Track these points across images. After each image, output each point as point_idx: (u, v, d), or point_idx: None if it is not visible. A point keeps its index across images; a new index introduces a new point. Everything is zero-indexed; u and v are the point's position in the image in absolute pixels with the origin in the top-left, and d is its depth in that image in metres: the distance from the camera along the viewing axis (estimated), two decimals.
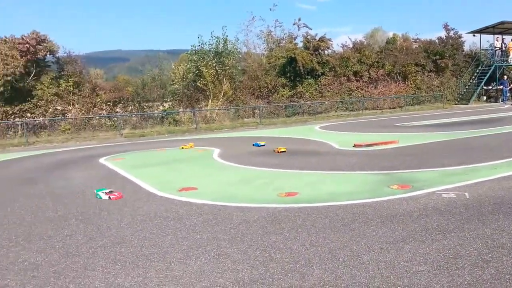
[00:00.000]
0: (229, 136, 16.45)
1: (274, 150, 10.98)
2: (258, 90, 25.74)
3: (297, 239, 4.50)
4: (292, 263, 3.88)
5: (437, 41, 31.34)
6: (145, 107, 23.95)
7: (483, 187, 6.17)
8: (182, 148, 12.79)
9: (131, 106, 23.63)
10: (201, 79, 23.34)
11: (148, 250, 4.41)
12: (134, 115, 22.46)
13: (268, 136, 15.61)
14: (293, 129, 17.90)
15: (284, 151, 10.77)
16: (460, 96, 29.35)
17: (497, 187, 6.08)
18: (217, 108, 23.23)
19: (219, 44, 23.88)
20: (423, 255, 3.87)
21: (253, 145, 12.50)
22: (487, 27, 28.82)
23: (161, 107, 24.46)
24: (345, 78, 27.07)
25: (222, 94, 23.84)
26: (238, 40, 26.94)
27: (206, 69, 22.92)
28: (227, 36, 24.12)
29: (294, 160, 9.76)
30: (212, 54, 23.63)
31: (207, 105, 23.60)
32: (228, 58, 23.77)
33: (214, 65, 23.15)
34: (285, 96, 25.65)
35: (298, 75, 25.80)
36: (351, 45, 29.18)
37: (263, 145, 12.17)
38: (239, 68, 25.99)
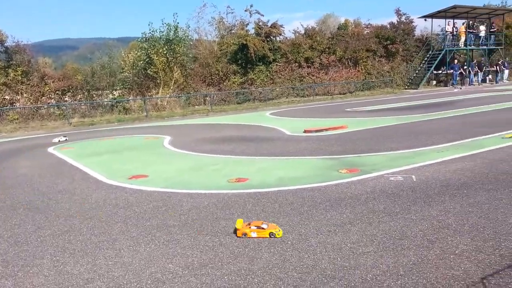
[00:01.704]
0: (180, 124, 16.17)
1: None
2: (210, 78, 25.45)
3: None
4: (241, 248, 3.86)
5: (388, 26, 31.97)
6: (94, 95, 23.40)
7: (430, 170, 6.36)
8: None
9: (80, 94, 23.03)
10: (152, 66, 22.84)
11: (97, 238, 4.36)
12: (83, 104, 21.80)
13: (219, 123, 15.49)
14: (244, 116, 17.84)
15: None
16: (410, 81, 30.17)
17: (443, 170, 6.28)
18: (168, 95, 22.80)
19: (170, 31, 23.45)
20: (369, 237, 3.93)
21: None
22: (439, 12, 29.46)
23: (110, 96, 23.92)
24: (297, 64, 27.21)
25: (173, 81, 23.42)
26: (189, 27, 26.61)
27: (156, 56, 22.45)
28: (178, 23, 23.82)
29: (245, 146, 9.70)
30: (163, 42, 23.19)
31: (157, 93, 23.10)
32: (179, 46, 23.43)
33: (165, 52, 22.71)
34: (236, 83, 25.49)
35: (250, 62, 25.69)
36: (303, 31, 29.34)
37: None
38: (190, 55, 25.61)
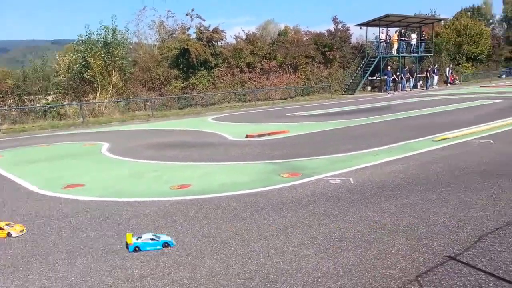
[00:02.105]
0: (119, 130, 15.67)
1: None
2: (150, 82, 24.91)
3: (189, 231, 4.40)
4: (184, 256, 3.79)
5: (326, 33, 33.02)
6: (26, 100, 21.99)
7: (366, 172, 6.60)
8: None
9: (10, 99, 21.52)
10: (89, 70, 21.94)
11: (29, 252, 4.10)
12: (13, 109, 20.49)
13: (160, 129, 15.20)
14: (186, 121, 17.65)
15: None
16: (347, 87, 31.26)
17: (379, 172, 6.54)
18: (106, 100, 22.02)
19: (108, 34, 22.70)
20: (310, 240, 4.00)
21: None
22: (373, 20, 30.83)
23: (44, 101, 22.59)
24: (238, 69, 27.34)
25: (111, 86, 22.61)
26: (129, 30, 25.84)
27: (94, 60, 21.61)
28: (116, 26, 23.15)
29: (187, 152, 9.58)
30: (101, 45, 22.40)
31: (95, 97, 22.22)
32: (118, 49, 22.73)
33: (103, 55, 21.92)
34: (178, 87, 25.15)
35: (191, 67, 25.46)
36: (244, 37, 29.56)
37: None
38: (130, 59, 24.90)
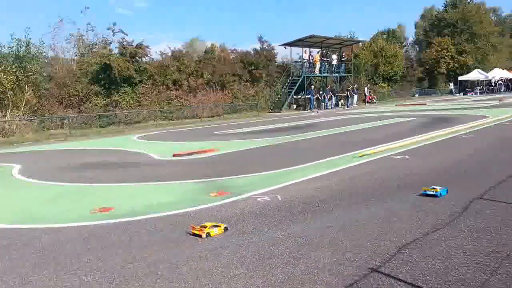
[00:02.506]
0: (33, 150, 14.59)
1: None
2: (68, 99, 23.57)
3: (112, 257, 4.16)
4: (106, 284, 3.56)
5: (252, 52, 33.68)
6: None
7: (294, 188, 6.71)
8: None
9: None
10: None
11: None
12: None
13: (80, 148, 14.44)
14: (108, 140, 16.94)
15: None
16: (273, 105, 31.96)
17: (305, 188, 6.68)
18: (18, 119, 20.44)
19: (20, 47, 21.35)
20: (240, 259, 3.95)
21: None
22: (297, 40, 31.96)
23: None
24: (164, 86, 26.91)
25: (23, 103, 21.11)
26: (44, 43, 24.42)
27: (4, 74, 20.09)
28: (30, 38, 21.88)
29: (110, 173, 9.16)
30: (12, 58, 20.99)
31: (5, 115, 20.52)
32: (32, 63, 21.37)
33: (14, 70, 20.48)
34: (99, 105, 24.05)
35: (114, 83, 24.55)
36: (170, 53, 29.24)
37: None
38: (45, 74, 23.52)
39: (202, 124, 23.24)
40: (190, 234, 4.65)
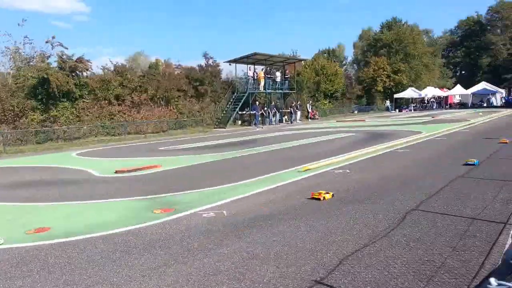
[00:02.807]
0: None
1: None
2: (2, 114, 22.31)
3: (49, 280, 3.97)
4: None
5: (197, 68, 33.69)
6: None
7: (239, 204, 6.73)
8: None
9: None
10: None
11: None
12: None
13: (14, 166, 13.67)
14: (47, 157, 16.15)
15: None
16: (219, 120, 32.02)
17: (251, 203, 6.71)
18: None
19: None
20: (185, 276, 3.90)
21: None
22: (242, 57, 32.44)
23: None
24: (106, 101, 26.18)
25: None
26: None
27: None
28: None
29: (47, 191, 8.73)
30: None
31: None
32: None
33: None
34: (36, 120, 22.96)
35: (52, 98, 23.55)
36: (112, 68, 28.57)
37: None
38: None
39: (146, 140, 22.78)
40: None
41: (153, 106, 28.35)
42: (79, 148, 19.16)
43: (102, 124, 25.01)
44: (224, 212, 6.22)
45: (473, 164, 9.29)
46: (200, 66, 34.01)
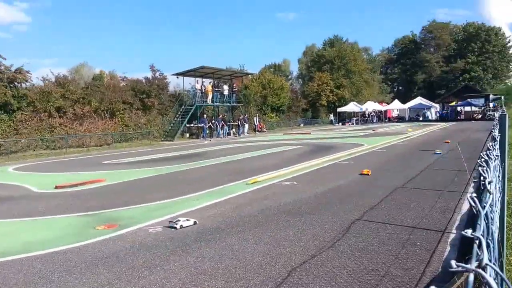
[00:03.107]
0: None
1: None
2: None
3: None
4: None
5: (144, 80, 33.10)
6: None
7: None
8: None
9: None
10: None
11: None
12: None
13: None
14: None
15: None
16: (166, 133, 31.52)
17: (199, 217, 6.60)
18: None
19: None
20: None
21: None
22: (189, 71, 32.26)
23: None
24: (47, 114, 25.05)
25: None
26: None
27: None
28: None
29: None
30: None
31: None
32: None
33: None
34: None
35: None
36: (53, 79, 27.44)
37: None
38: None
39: (89, 154, 21.96)
40: None
41: (97, 119, 27.48)
42: (16, 163, 18.12)
43: (42, 137, 23.86)
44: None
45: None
46: (146, 78, 33.48)
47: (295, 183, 9.59)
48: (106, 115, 28.10)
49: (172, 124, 32.21)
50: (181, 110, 32.67)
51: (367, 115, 56.25)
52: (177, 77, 33.87)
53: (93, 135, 26.08)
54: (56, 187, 10.19)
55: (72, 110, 26.19)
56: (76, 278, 4.23)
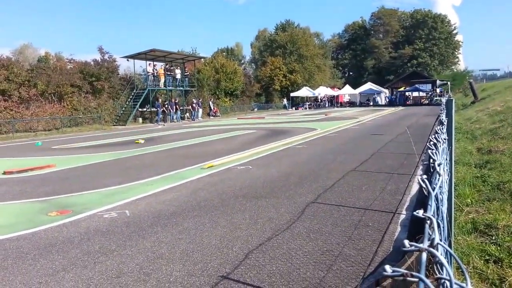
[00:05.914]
0: None
1: None
2: None
3: None
4: None
5: (92, 63, 31.91)
6: None
7: (142, 203, 6.58)
8: None
9: None
10: None
11: None
12: None
13: None
14: None
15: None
16: (118, 118, 30.70)
17: (154, 202, 6.60)
18: None
19: None
20: (85, 281, 3.75)
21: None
22: (139, 53, 31.36)
23: None
24: None
25: None
26: None
27: None
28: None
29: None
30: None
31: None
32: None
33: None
34: None
35: None
36: None
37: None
38: None
39: (37, 138, 21.08)
40: None
41: (44, 102, 26.36)
42: None
43: None
44: (127, 211, 6.06)
45: None
46: (95, 61, 32.33)
47: (251, 167, 9.71)
48: (53, 98, 26.99)
49: (124, 108, 31.42)
50: (132, 94, 31.91)
51: (319, 100, 57.32)
52: (128, 60, 32.91)
53: (41, 119, 25.03)
54: (5, 173, 9.79)
55: (18, 93, 24.97)
56: (30, 265, 4.15)
